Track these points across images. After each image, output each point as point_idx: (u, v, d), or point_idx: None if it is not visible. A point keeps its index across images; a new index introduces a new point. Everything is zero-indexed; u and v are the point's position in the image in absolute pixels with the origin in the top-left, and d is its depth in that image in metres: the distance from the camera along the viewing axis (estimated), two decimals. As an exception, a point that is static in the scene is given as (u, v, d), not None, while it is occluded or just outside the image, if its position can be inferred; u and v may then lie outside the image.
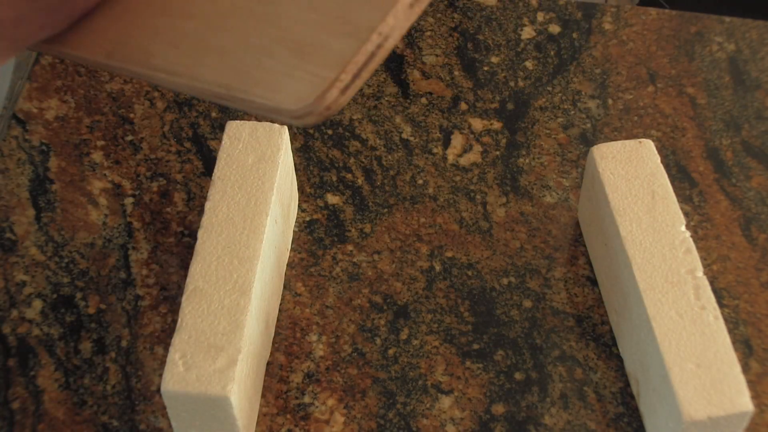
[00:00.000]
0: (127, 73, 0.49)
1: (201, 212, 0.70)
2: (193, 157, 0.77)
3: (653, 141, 0.69)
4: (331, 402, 0.65)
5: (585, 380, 0.65)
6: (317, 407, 0.64)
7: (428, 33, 0.84)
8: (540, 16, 0.85)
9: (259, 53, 0.44)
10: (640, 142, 0.67)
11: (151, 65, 0.47)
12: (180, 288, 0.69)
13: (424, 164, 0.76)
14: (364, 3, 0.42)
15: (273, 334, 0.67)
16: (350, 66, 0.41)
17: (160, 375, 0.63)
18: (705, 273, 0.62)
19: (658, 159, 0.67)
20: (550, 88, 0.81)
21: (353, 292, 0.69)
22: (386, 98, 0.80)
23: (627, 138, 0.76)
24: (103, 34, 0.50)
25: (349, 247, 0.72)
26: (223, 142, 0.68)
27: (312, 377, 0.65)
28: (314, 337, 0.67)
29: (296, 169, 0.75)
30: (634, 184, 0.65)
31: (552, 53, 0.83)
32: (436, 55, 0.83)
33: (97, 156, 0.77)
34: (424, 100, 0.80)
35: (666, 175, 0.66)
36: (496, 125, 0.78)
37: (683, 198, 0.73)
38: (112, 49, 0.49)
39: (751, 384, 0.64)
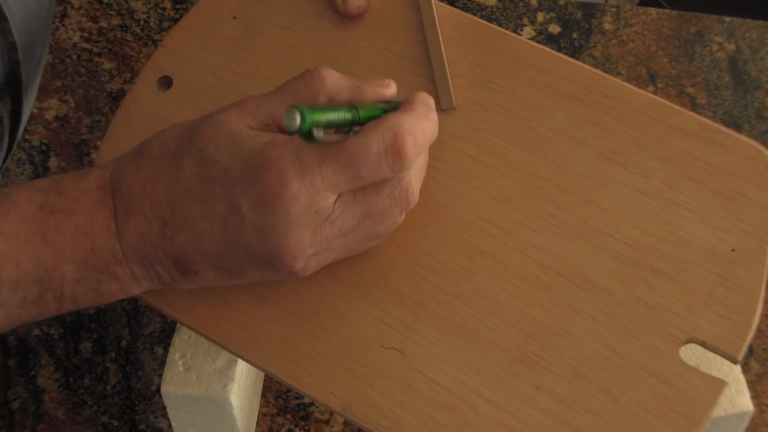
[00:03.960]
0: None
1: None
2: (193, 157, 0.76)
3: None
4: (331, 402, 0.65)
5: (585, 380, 0.65)
6: (317, 407, 0.64)
7: (428, 33, 0.84)
8: (540, 16, 0.85)
9: None
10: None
11: None
12: (180, 288, 0.69)
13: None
14: None
15: (273, 334, 0.67)
16: None
17: (160, 375, 0.63)
18: (705, 273, 0.62)
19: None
20: (550, 88, 0.80)
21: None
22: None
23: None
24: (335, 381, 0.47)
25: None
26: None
27: (312, 377, 0.65)
28: (314, 337, 0.67)
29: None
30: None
31: (552, 53, 0.83)
32: (436, 55, 0.83)
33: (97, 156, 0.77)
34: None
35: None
36: (496, 125, 0.78)
37: (683, 198, 0.73)
38: (350, 403, 0.47)
39: (751, 384, 0.64)
